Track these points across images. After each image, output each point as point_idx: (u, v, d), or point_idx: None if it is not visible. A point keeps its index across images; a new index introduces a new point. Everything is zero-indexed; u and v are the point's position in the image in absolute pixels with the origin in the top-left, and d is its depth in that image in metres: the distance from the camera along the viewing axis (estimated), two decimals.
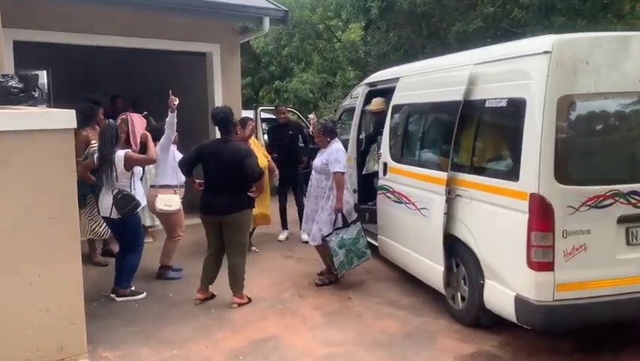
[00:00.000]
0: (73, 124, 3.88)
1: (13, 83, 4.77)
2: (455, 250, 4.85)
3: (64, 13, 6.76)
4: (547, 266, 3.93)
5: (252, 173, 4.95)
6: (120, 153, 5.17)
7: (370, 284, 5.95)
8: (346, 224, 5.58)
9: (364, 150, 7.40)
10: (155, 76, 9.63)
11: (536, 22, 10.30)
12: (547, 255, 3.93)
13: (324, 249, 5.69)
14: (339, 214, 5.53)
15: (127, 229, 5.39)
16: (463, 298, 4.84)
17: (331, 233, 5.47)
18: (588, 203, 3.95)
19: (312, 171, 5.87)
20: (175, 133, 5.75)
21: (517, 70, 4.29)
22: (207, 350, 4.44)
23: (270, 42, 17.20)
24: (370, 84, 7.28)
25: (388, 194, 6.00)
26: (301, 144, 8.02)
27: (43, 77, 13.18)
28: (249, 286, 5.80)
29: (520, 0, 10.73)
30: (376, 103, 7.04)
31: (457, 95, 4.77)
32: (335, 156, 5.53)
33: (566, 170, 3.95)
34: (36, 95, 5.38)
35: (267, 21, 7.92)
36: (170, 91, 5.59)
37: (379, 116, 6.95)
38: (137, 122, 5.55)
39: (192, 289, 5.46)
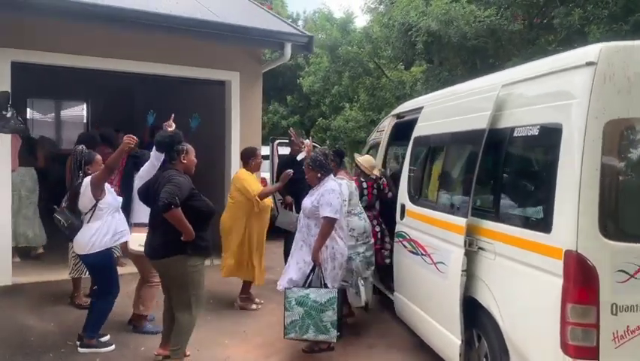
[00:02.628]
0: None
1: None
2: (476, 318, 3.81)
3: (69, 35, 6.38)
4: (590, 353, 2.86)
5: (159, 201, 3.89)
6: (86, 180, 4.56)
7: (379, 352, 4.92)
8: (323, 284, 4.54)
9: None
10: (175, 104, 9.24)
11: None
12: (590, 337, 2.85)
13: None
14: (316, 268, 4.55)
15: (96, 267, 4.72)
16: None
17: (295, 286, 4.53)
18: None
19: (300, 215, 4.89)
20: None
21: (552, 89, 3.32)
22: None
23: (316, 80, 16.68)
24: (397, 115, 6.41)
25: (405, 242, 5.03)
26: None
27: (83, 108, 13.26)
28: (236, 344, 5.00)
29: (586, 31, 9.61)
30: (366, 161, 5.83)
31: (481, 123, 3.82)
32: (327, 198, 4.52)
33: (616, 220, 2.90)
34: (7, 115, 4.93)
35: (289, 47, 7.27)
36: (173, 115, 4.94)
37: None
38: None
39: None
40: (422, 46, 11.26)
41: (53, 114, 13.75)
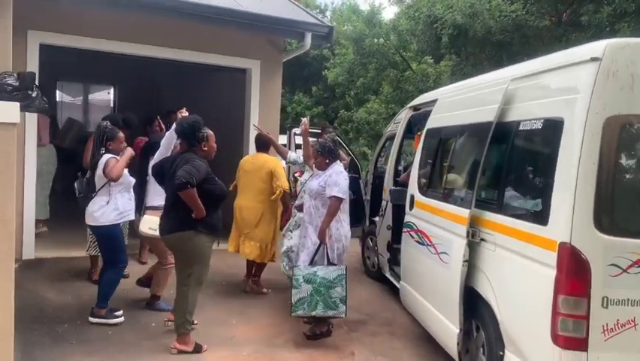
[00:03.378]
0: (14, 118, 3.38)
1: (9, 80, 4.46)
2: (476, 309, 3.86)
3: (96, 20, 6.55)
4: (579, 344, 2.90)
5: (176, 180, 4.01)
6: (105, 157, 4.73)
7: (383, 340, 4.99)
8: (329, 262, 4.67)
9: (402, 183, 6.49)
10: (198, 90, 9.43)
11: None
12: (579, 329, 2.89)
13: None
14: (322, 246, 4.65)
15: (103, 238, 4.87)
16: None
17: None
18: None
19: (306, 198, 5.00)
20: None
21: (559, 83, 3.34)
22: None
23: (341, 72, 16.71)
24: (414, 107, 6.44)
25: (412, 232, 5.09)
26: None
27: (110, 92, 13.56)
28: (243, 324, 5.14)
29: (616, 28, 9.44)
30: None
31: (489, 116, 3.86)
32: (334, 179, 4.68)
33: (611, 215, 2.93)
34: (33, 95, 5.10)
35: (309, 37, 7.32)
36: (185, 108, 5.09)
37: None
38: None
39: None
40: (447, 39, 11.21)
41: (82, 97, 14.09)
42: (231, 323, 5.16)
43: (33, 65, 6.31)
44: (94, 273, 6.08)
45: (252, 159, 6.12)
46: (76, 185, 4.70)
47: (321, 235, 4.63)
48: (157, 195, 5.03)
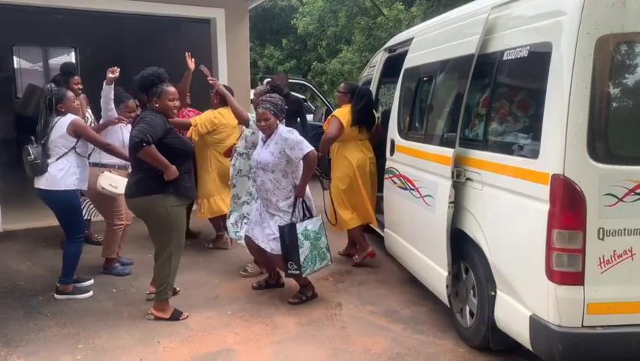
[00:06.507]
0: None
1: None
2: (464, 250, 3.75)
3: None
4: (575, 278, 2.78)
5: (130, 141, 3.87)
6: (68, 117, 4.45)
7: (370, 287, 4.90)
8: (310, 214, 4.44)
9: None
10: (162, 47, 8.98)
11: None
12: (575, 263, 2.77)
13: (281, 259, 4.41)
14: (301, 201, 4.39)
15: (60, 206, 4.49)
16: (472, 314, 3.73)
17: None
18: (639, 191, 2.75)
19: (257, 172, 4.45)
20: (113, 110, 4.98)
21: (543, 6, 3.11)
22: None
23: (311, 21, 16.20)
24: (389, 49, 6.18)
25: (395, 178, 4.92)
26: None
27: (72, 55, 12.97)
28: (226, 281, 5.01)
29: None
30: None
31: (470, 48, 3.64)
32: (292, 138, 4.24)
33: (605, 142, 2.77)
34: None
35: None
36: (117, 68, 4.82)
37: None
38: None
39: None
40: None
41: (41, 62, 13.44)
42: (214, 282, 5.01)
43: None
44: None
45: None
46: (30, 150, 4.33)
47: (301, 192, 4.36)
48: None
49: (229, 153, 5.32)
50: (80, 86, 5.70)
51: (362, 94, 5.38)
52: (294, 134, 4.29)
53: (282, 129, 4.33)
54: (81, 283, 4.74)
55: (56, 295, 4.59)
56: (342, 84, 5.75)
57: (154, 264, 4.22)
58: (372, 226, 6.14)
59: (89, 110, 5.88)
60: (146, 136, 3.73)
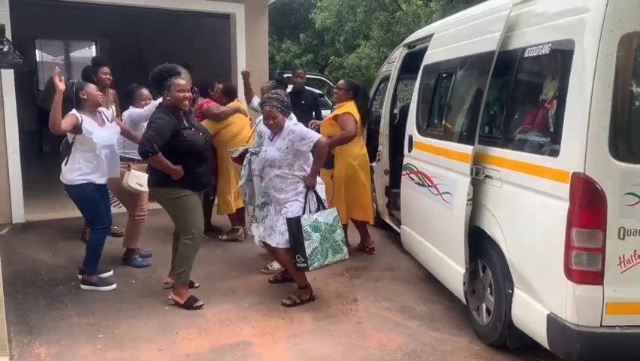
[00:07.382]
0: None
1: None
2: (482, 248, 3.74)
3: None
4: (594, 278, 2.77)
5: (138, 150, 4.13)
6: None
7: (386, 284, 4.91)
8: (322, 206, 4.36)
9: (398, 125, 6.26)
10: (181, 42, 9.06)
11: None
12: (594, 262, 2.76)
13: (286, 254, 4.34)
14: (312, 193, 4.33)
15: (73, 199, 4.62)
16: (489, 312, 3.73)
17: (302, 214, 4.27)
18: None
19: (264, 170, 4.42)
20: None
21: (566, 3, 3.09)
22: (157, 355, 3.63)
23: (329, 16, 16.18)
24: (408, 45, 6.16)
25: (412, 175, 4.92)
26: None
27: (92, 49, 13.11)
28: (243, 275, 5.07)
29: None
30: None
31: (491, 45, 3.62)
32: (299, 130, 4.22)
33: (627, 141, 2.75)
34: (5, 49, 4.80)
35: None
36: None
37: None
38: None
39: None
40: None
41: (63, 56, 13.62)
42: (231, 275, 5.06)
43: (4, 18, 5.95)
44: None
45: None
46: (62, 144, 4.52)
47: (312, 182, 4.31)
48: (134, 146, 4.81)
49: (239, 160, 5.25)
50: (109, 77, 5.68)
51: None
52: (299, 126, 4.31)
53: (290, 123, 4.34)
54: (101, 275, 4.82)
55: (82, 286, 4.69)
56: (342, 81, 5.84)
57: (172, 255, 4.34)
58: (387, 221, 6.15)
59: (113, 107, 5.86)
60: (152, 147, 3.98)
